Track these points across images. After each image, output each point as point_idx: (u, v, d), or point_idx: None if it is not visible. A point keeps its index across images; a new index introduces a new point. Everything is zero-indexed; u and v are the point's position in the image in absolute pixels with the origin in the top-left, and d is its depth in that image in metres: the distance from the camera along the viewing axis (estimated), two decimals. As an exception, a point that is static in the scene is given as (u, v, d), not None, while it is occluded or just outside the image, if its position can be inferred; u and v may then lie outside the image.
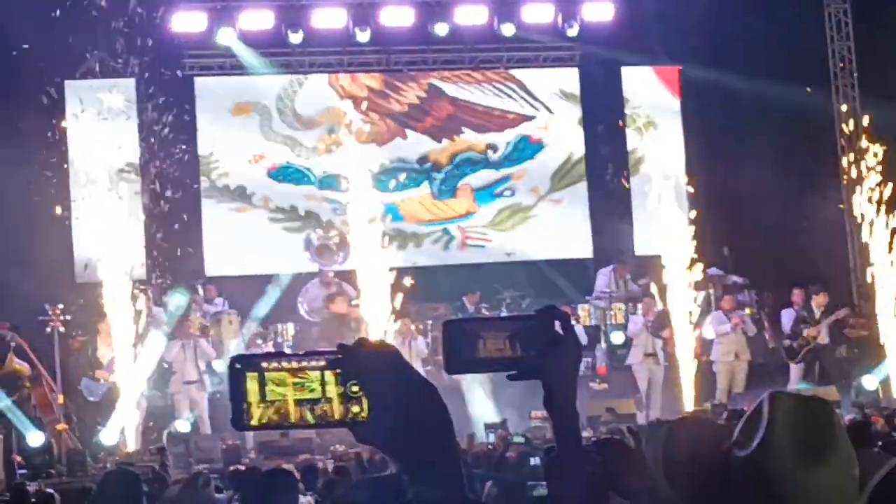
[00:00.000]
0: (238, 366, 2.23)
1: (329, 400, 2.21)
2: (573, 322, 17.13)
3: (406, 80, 24.78)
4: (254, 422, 2.22)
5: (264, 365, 2.21)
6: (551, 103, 25.16)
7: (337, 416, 2.22)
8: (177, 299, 20.19)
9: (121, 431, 19.09)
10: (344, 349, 2.26)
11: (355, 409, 2.22)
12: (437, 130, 24.83)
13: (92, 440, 19.06)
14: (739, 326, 20.92)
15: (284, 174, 24.12)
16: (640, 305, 21.94)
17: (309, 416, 2.22)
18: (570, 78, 25.23)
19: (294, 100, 24.24)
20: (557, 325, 2.54)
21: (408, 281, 20.34)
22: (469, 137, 24.96)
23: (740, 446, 2.41)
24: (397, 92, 24.65)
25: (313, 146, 24.14)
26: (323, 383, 2.21)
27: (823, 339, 20.99)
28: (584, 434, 10.20)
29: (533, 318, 2.55)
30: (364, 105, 23.92)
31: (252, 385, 2.20)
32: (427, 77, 24.87)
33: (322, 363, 2.22)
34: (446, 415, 2.26)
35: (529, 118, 25.10)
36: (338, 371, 2.23)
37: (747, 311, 22.00)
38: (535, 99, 25.11)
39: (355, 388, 2.22)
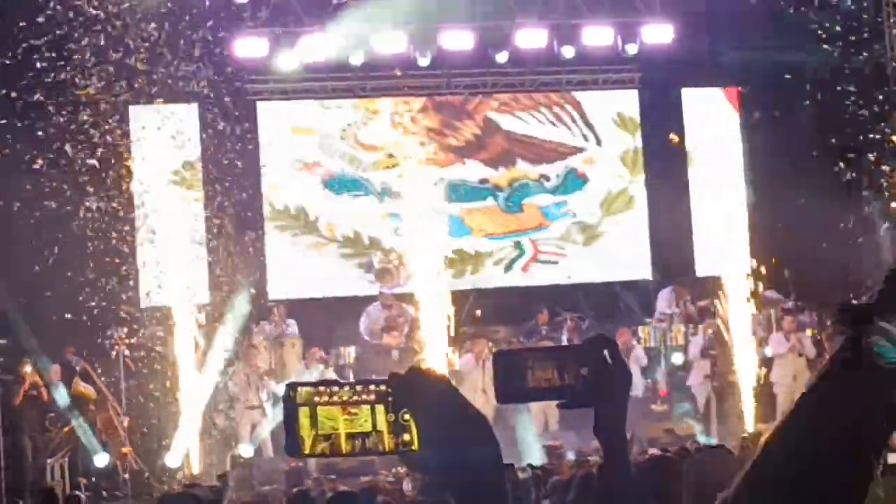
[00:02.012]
0: (291, 394, 2.25)
1: (379, 433, 2.23)
2: (634, 343, 17.04)
3: (462, 116, 24.78)
4: (307, 451, 2.28)
5: (316, 399, 2.26)
6: (604, 132, 25.10)
7: (388, 448, 2.25)
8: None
9: (185, 454, 19.25)
10: (395, 379, 2.27)
11: (406, 437, 2.23)
12: (493, 161, 24.86)
13: (156, 462, 19.24)
14: (796, 348, 20.79)
15: (340, 182, 24.08)
16: (700, 327, 21.88)
17: (360, 448, 2.28)
18: (628, 101, 25.20)
19: (357, 133, 24.29)
20: (606, 354, 2.55)
21: (469, 303, 20.35)
22: (523, 167, 24.96)
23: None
24: (454, 130, 24.70)
25: (372, 162, 24.27)
26: (373, 417, 2.24)
27: None
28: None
29: (581, 348, 2.56)
30: (424, 140, 23.85)
31: (304, 418, 2.26)
32: (482, 110, 24.90)
33: (372, 397, 2.27)
34: (496, 448, 2.25)
35: (580, 150, 25.08)
36: (389, 400, 2.26)
37: (809, 332, 21.86)
38: (589, 126, 25.07)
39: (406, 418, 2.24)
